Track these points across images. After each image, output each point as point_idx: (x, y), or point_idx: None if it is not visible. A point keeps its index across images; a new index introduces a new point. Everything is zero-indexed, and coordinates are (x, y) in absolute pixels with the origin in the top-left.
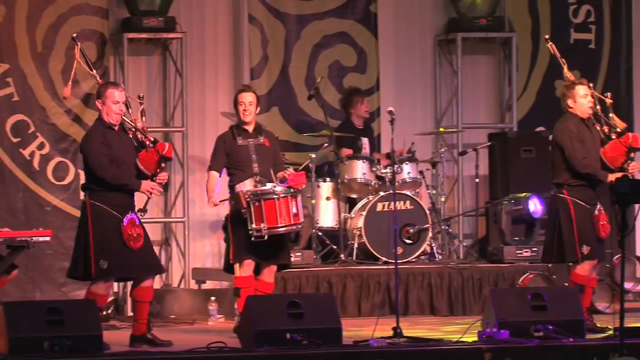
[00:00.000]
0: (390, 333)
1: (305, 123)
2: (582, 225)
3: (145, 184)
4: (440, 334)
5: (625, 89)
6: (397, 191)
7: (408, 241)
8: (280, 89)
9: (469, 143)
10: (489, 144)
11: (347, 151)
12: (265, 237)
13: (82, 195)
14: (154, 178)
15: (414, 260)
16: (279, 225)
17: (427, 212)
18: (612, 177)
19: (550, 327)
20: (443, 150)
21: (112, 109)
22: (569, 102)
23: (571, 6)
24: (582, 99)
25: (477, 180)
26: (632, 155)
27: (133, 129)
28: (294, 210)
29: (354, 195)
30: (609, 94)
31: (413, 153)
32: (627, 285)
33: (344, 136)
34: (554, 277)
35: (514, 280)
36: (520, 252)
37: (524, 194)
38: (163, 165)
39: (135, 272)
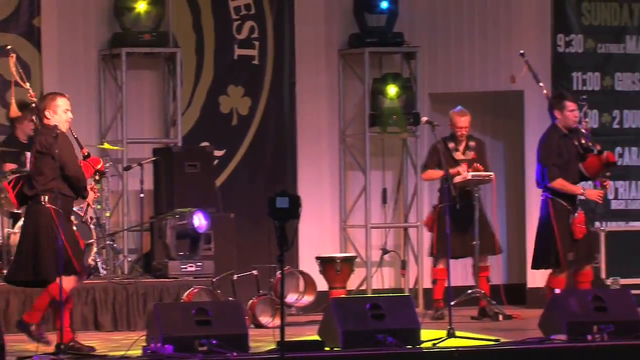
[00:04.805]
0: (53, 349)
1: None
2: None
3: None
4: (104, 349)
5: (289, 105)
6: None
7: None
8: None
9: (134, 158)
10: (153, 158)
11: (10, 166)
12: None
13: (43, 198)
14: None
15: None
16: None
17: (92, 227)
18: None
19: (215, 341)
20: (108, 165)
21: (63, 117)
22: None
23: (235, 22)
24: None
25: (142, 195)
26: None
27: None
28: None
29: (18, 210)
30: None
31: None
32: (290, 299)
33: (7, 151)
34: (219, 291)
35: (179, 294)
36: (184, 266)
37: (189, 208)
38: (97, 178)
39: None
